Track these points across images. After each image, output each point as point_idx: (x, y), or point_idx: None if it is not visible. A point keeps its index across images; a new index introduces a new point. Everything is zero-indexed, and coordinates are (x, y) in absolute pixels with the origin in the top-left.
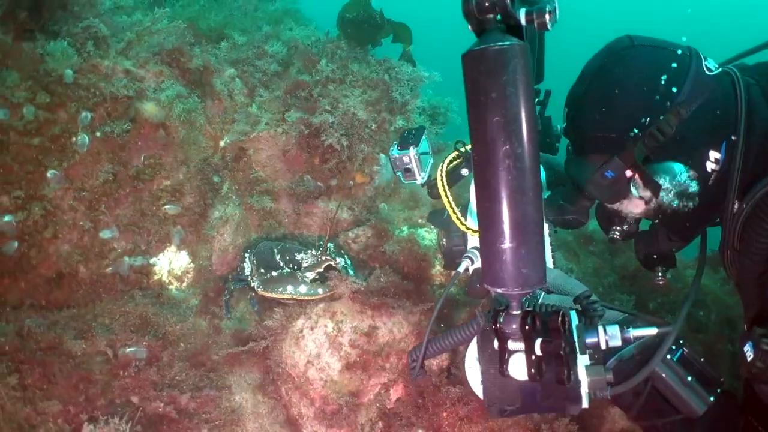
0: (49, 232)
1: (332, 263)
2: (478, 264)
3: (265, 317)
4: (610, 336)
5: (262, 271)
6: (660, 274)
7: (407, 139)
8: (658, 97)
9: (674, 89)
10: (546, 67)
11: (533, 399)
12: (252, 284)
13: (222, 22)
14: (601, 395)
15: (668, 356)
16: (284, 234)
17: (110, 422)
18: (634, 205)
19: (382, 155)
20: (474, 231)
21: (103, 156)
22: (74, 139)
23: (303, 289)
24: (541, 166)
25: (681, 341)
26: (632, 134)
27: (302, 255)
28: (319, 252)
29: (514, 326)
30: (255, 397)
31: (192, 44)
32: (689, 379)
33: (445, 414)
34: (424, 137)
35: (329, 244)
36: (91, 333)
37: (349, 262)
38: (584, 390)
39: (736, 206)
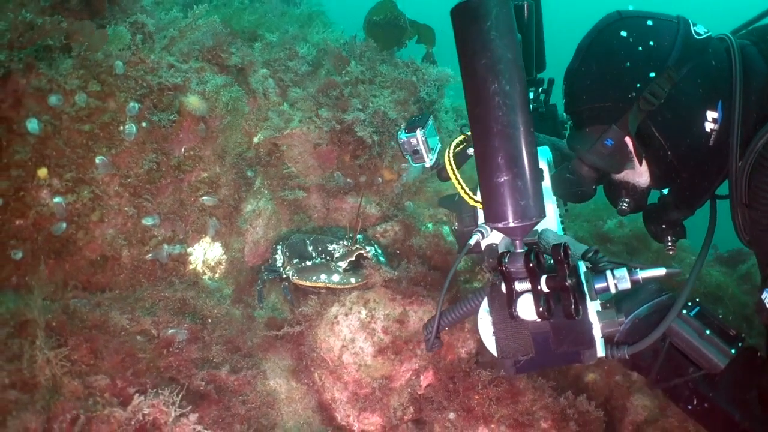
0: (96, 216)
1: (363, 252)
2: (489, 238)
3: (300, 305)
4: (618, 278)
5: (296, 260)
6: (669, 244)
7: (414, 123)
8: (648, 63)
9: (664, 54)
10: (550, 57)
11: (546, 347)
12: (284, 275)
13: (255, 23)
14: (619, 354)
15: (684, 312)
16: (314, 228)
17: (160, 394)
18: (639, 175)
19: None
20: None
21: (147, 146)
22: (122, 127)
23: (336, 278)
24: (547, 146)
25: (697, 299)
26: (627, 101)
27: (334, 246)
28: (350, 242)
29: (519, 264)
30: (288, 383)
31: (229, 42)
32: (708, 332)
33: (476, 396)
34: (430, 122)
35: (359, 236)
36: (134, 314)
37: (379, 250)
38: (597, 333)
39: (740, 164)
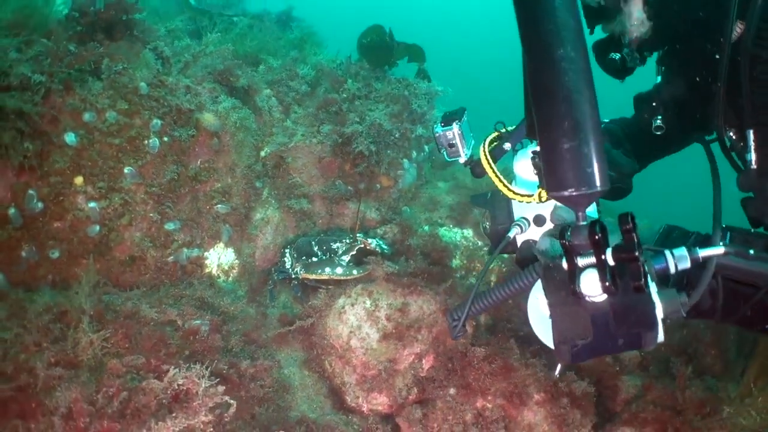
0: (126, 220)
1: (364, 245)
2: (527, 233)
3: (310, 299)
4: (677, 258)
5: (304, 258)
6: (659, 121)
7: (450, 116)
8: None
9: None
10: None
11: (605, 330)
12: (293, 275)
13: (256, 48)
14: (676, 316)
15: (722, 243)
16: (318, 232)
17: (192, 368)
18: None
19: (405, 160)
20: (523, 196)
21: (168, 158)
22: (147, 142)
23: (339, 270)
24: None
25: (724, 225)
26: None
27: (338, 244)
28: (351, 239)
29: (583, 237)
30: (301, 372)
31: (238, 65)
32: (752, 252)
33: (473, 373)
34: (465, 117)
35: (361, 234)
36: (161, 307)
37: (380, 241)
38: (659, 314)
39: (738, 29)
